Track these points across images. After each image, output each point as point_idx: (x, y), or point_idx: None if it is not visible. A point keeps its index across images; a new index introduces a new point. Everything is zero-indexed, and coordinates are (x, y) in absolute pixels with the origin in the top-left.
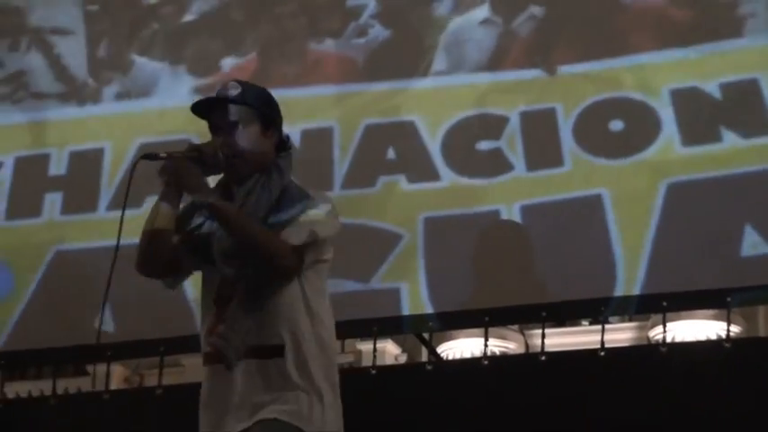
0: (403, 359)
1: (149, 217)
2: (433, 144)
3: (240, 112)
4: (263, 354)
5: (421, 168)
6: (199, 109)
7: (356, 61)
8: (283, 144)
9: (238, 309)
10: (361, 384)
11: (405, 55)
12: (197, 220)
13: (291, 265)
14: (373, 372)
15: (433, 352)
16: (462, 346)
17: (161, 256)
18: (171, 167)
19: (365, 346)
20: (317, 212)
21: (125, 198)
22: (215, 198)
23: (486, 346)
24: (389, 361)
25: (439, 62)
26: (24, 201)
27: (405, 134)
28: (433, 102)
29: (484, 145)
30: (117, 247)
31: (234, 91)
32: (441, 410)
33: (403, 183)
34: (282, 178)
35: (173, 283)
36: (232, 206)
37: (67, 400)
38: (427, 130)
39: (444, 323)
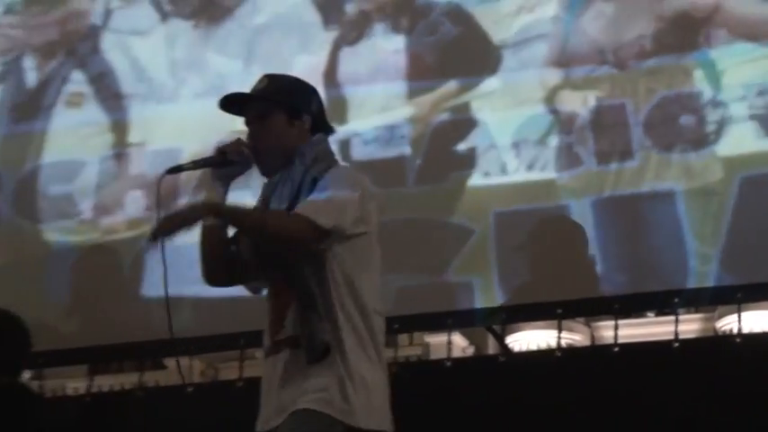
0: (470, 351)
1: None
2: (503, 140)
3: (262, 106)
4: (296, 343)
5: (491, 164)
6: (228, 107)
7: (426, 59)
8: (323, 127)
9: (291, 305)
10: (435, 376)
11: (474, 52)
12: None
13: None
14: (448, 364)
15: (503, 344)
16: (528, 338)
17: (220, 267)
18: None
19: (433, 339)
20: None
21: (157, 212)
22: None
23: (559, 338)
24: (457, 353)
25: (508, 59)
26: (108, 199)
27: (475, 131)
28: (502, 99)
29: (554, 140)
30: (164, 259)
31: (258, 86)
32: (515, 402)
33: (474, 178)
34: (304, 164)
35: (255, 290)
36: (239, 208)
37: (153, 393)
38: (497, 126)
39: (516, 316)
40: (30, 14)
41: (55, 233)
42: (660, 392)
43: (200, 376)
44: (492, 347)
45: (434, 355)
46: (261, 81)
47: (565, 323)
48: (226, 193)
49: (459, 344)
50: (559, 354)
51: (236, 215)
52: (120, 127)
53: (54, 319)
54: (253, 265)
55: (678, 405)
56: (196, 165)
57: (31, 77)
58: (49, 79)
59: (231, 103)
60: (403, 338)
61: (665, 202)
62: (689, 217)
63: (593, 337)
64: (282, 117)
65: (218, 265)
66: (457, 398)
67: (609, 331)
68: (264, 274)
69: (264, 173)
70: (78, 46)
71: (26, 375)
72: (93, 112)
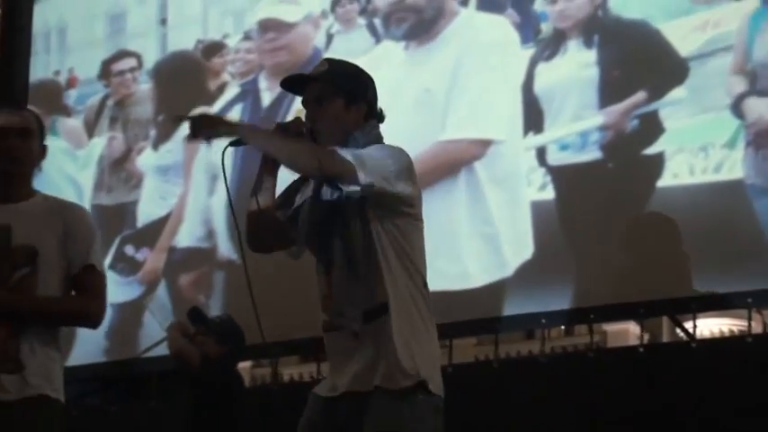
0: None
1: (252, 192)
2: (691, 144)
3: (321, 89)
4: (370, 317)
5: (680, 166)
6: (289, 87)
7: (615, 71)
8: (376, 115)
9: (341, 278)
10: (629, 361)
11: (661, 64)
12: (301, 197)
13: (339, 164)
14: (641, 350)
15: (686, 331)
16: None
17: (267, 235)
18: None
19: (610, 327)
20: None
21: (226, 185)
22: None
23: (749, 325)
24: (633, 341)
25: (695, 70)
26: None
27: (663, 136)
28: (689, 106)
29: (741, 143)
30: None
31: (319, 69)
32: (709, 385)
33: (663, 179)
34: (357, 147)
35: (297, 253)
36: (263, 131)
37: None
38: (685, 131)
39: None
40: (263, 40)
41: None
42: None
43: None
44: (666, 335)
45: (611, 343)
46: (321, 65)
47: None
48: (277, 167)
49: (634, 332)
50: (750, 339)
51: (268, 142)
52: None
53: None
54: (295, 233)
55: None
56: None
57: (266, 97)
58: (280, 98)
59: (292, 84)
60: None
61: None
62: None
63: (764, 324)
64: (340, 101)
65: (262, 230)
66: (649, 382)
67: None
68: (309, 244)
69: None
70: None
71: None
72: None
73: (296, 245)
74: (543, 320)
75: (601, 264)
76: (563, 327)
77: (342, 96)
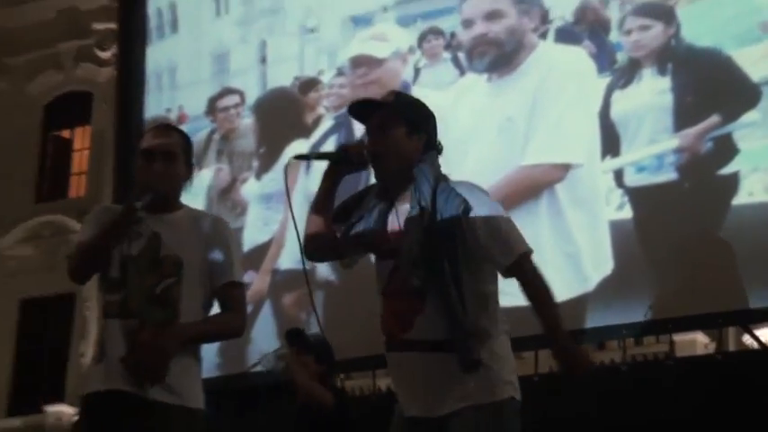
0: (712, 348)
1: (313, 204)
2: (766, 164)
3: (386, 116)
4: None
5: (755, 185)
6: (356, 113)
7: (689, 96)
8: (433, 146)
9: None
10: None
11: (734, 89)
12: (357, 214)
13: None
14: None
15: (759, 342)
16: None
17: (320, 250)
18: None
19: (678, 337)
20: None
21: (287, 197)
22: None
23: None
24: (701, 350)
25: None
26: None
27: (738, 157)
28: (763, 128)
29: None
30: (301, 248)
31: (386, 98)
32: None
33: (738, 197)
34: (428, 181)
35: (349, 264)
36: None
37: None
38: (759, 152)
39: None
40: (355, 75)
41: None
42: None
43: None
44: (732, 344)
45: (680, 353)
46: (388, 95)
47: None
48: (335, 186)
49: (701, 341)
50: None
51: None
52: None
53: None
54: (352, 251)
55: None
56: (319, 156)
57: (358, 128)
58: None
59: (360, 111)
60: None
61: None
62: None
63: None
64: (402, 129)
65: (318, 241)
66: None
67: None
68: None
69: (378, 176)
70: None
71: None
72: None
73: (347, 257)
74: (624, 331)
75: (676, 278)
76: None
77: (404, 125)
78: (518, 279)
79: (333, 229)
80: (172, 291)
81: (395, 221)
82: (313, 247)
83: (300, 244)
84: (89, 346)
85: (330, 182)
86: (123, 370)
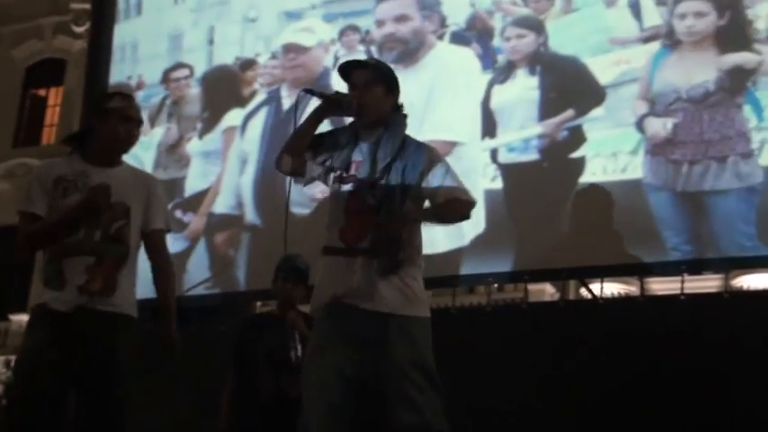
0: (557, 296)
1: (298, 129)
2: (605, 151)
3: (370, 76)
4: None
5: (596, 168)
6: (342, 70)
7: (552, 93)
8: (398, 107)
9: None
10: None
11: (586, 89)
12: (332, 144)
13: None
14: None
15: (591, 292)
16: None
17: (292, 164)
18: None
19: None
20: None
21: (294, 121)
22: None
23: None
24: (548, 298)
25: (610, 95)
26: None
27: (585, 144)
28: (605, 122)
29: (642, 151)
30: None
31: (370, 61)
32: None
33: (584, 177)
34: (400, 130)
35: (304, 182)
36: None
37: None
38: (601, 141)
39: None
40: (285, 59)
41: None
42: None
43: None
44: (573, 294)
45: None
46: (370, 60)
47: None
48: (320, 122)
49: (549, 290)
50: (642, 300)
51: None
52: None
53: None
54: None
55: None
56: (320, 95)
57: (286, 103)
58: (296, 104)
59: (344, 68)
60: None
61: (722, 197)
62: (738, 208)
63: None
64: (381, 88)
65: (292, 158)
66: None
67: (655, 285)
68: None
69: (361, 122)
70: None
71: None
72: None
73: (307, 176)
74: (490, 279)
75: (533, 239)
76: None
77: (383, 85)
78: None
79: (304, 153)
80: (123, 231)
81: (358, 156)
82: (282, 162)
83: (288, 190)
84: None
85: (317, 117)
86: (80, 295)
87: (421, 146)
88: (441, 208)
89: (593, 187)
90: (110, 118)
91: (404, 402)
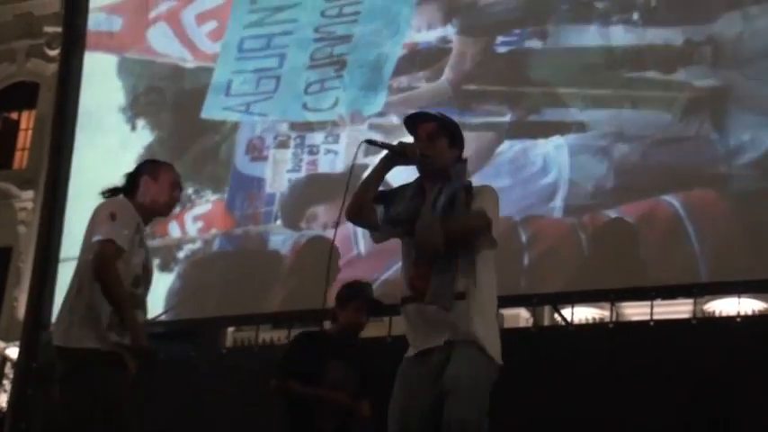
0: (531, 322)
1: (367, 178)
2: None
3: (435, 128)
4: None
5: None
6: (409, 121)
7: None
8: (461, 159)
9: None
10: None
11: None
12: (400, 198)
13: (487, 226)
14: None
15: (562, 316)
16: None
17: (360, 215)
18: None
19: (506, 312)
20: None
21: (350, 173)
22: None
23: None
24: (523, 324)
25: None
26: None
27: None
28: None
29: None
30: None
31: (434, 112)
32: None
33: None
34: (459, 181)
35: (377, 238)
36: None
37: None
38: None
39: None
40: None
41: None
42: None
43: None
44: (547, 320)
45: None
46: (436, 113)
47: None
48: (387, 171)
49: (524, 315)
50: (611, 326)
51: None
52: None
53: None
54: (385, 229)
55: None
56: (383, 146)
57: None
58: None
59: (409, 121)
60: None
61: None
62: None
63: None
64: (445, 140)
65: (362, 208)
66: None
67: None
68: (404, 241)
69: (423, 173)
70: None
71: None
72: None
73: (380, 232)
74: None
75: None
76: None
77: (447, 138)
78: None
79: (373, 204)
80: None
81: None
82: (355, 212)
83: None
84: (21, 292)
85: (384, 167)
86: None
87: (472, 185)
88: (461, 219)
89: None
90: (163, 178)
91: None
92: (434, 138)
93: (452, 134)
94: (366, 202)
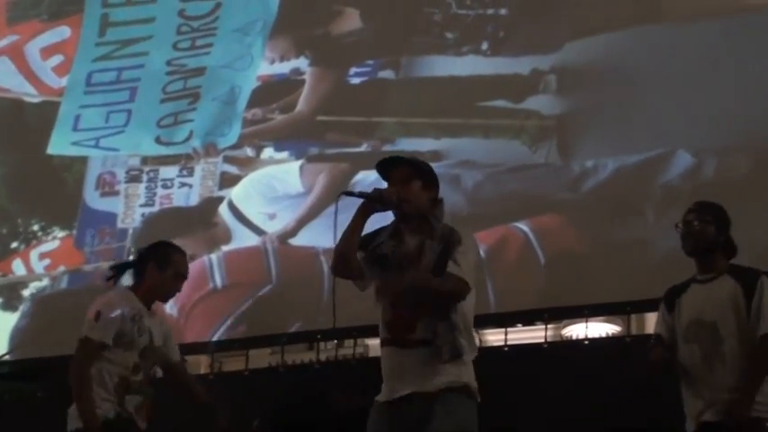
0: None
1: (347, 232)
2: None
3: (407, 171)
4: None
5: None
6: (381, 166)
7: None
8: (435, 201)
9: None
10: None
11: None
12: (378, 240)
13: (464, 291)
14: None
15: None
16: None
17: (347, 269)
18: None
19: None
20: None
21: (335, 227)
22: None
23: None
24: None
25: None
26: None
27: None
28: None
29: None
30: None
31: (407, 158)
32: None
33: None
34: (438, 223)
35: (363, 286)
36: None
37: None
38: None
39: None
40: None
41: None
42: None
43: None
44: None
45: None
46: (407, 157)
47: None
48: (365, 220)
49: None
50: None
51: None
52: None
53: None
54: (369, 272)
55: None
56: (360, 195)
57: None
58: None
59: (382, 162)
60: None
61: None
62: None
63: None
64: (419, 183)
65: (350, 261)
66: None
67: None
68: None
69: (399, 216)
70: None
71: None
72: None
73: (362, 280)
74: None
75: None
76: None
77: (420, 180)
78: None
79: (357, 255)
80: (154, 374)
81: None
82: (343, 267)
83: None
84: None
85: (362, 216)
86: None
87: (447, 228)
88: (435, 279)
89: None
90: (169, 269)
91: None
92: (408, 181)
93: (426, 176)
94: (353, 255)
